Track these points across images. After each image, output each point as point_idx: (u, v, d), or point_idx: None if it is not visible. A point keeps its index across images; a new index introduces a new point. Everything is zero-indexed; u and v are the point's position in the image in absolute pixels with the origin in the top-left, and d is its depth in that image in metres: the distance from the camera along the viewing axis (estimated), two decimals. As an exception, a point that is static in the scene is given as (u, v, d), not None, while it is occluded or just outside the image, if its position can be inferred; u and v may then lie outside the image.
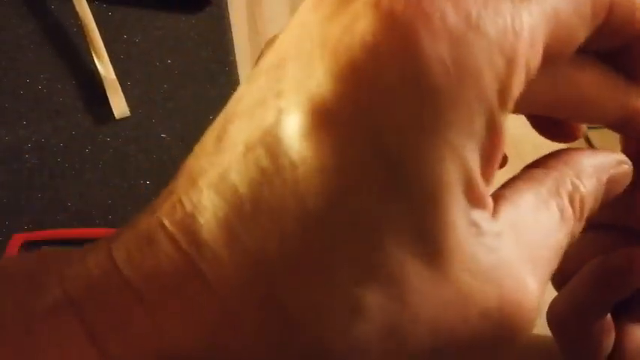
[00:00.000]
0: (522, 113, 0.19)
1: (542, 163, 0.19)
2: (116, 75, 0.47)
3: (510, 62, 0.15)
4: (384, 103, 0.14)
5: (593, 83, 0.19)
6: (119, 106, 0.46)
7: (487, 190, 0.16)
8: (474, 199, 0.15)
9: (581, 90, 0.19)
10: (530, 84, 0.16)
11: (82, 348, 0.15)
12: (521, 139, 0.45)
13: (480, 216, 0.16)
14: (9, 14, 0.50)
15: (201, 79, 0.48)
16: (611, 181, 0.19)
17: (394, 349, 0.15)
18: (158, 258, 0.15)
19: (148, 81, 0.48)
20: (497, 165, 0.16)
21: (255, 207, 0.15)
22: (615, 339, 0.27)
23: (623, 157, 0.20)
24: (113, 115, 0.46)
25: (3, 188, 0.43)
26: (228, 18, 0.52)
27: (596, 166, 0.19)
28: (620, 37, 0.18)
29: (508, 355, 0.17)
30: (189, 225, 0.15)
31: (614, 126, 0.20)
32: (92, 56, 0.47)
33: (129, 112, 0.46)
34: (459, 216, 0.15)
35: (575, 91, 0.19)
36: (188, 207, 0.15)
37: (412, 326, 0.15)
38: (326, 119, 0.14)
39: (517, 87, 0.15)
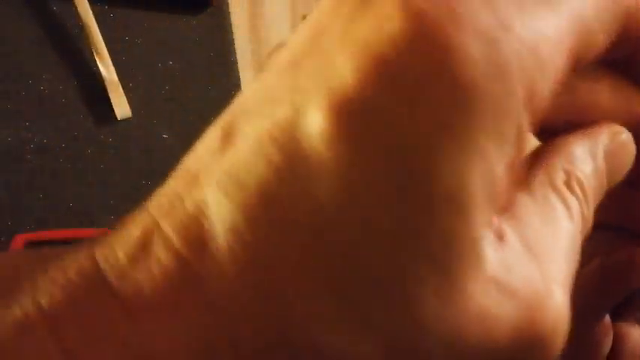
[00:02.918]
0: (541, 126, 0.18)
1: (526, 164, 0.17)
2: (118, 76, 0.47)
3: (541, 66, 0.14)
4: (409, 100, 0.13)
5: (611, 93, 0.18)
6: (121, 107, 0.46)
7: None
8: (498, 210, 0.14)
9: (600, 100, 0.18)
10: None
11: None
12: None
13: (505, 228, 0.15)
14: (10, 15, 0.50)
15: (203, 80, 0.49)
16: (610, 156, 0.18)
17: None
18: (150, 264, 0.14)
19: (149, 82, 0.48)
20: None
21: (266, 208, 0.14)
22: (613, 340, 0.27)
23: (617, 127, 0.18)
24: (115, 115, 0.46)
25: (5, 189, 0.44)
26: (229, 19, 0.52)
27: (587, 146, 0.18)
28: (632, 45, 0.18)
29: None
30: (189, 227, 0.14)
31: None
32: (94, 57, 0.47)
33: (130, 113, 0.47)
34: (484, 230, 0.14)
35: (594, 102, 0.18)
36: (190, 208, 0.14)
37: (425, 345, 0.14)
38: (346, 115, 0.13)
39: (546, 91, 0.14)
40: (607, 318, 0.27)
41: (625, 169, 0.19)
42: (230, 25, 0.52)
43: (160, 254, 0.14)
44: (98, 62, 0.47)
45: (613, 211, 0.26)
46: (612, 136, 0.18)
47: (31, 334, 0.13)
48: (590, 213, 0.17)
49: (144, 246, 0.14)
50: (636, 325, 0.28)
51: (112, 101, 0.46)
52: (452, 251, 0.14)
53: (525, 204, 0.16)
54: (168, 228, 0.14)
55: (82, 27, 0.49)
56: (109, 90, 0.46)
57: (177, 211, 0.14)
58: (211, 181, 0.14)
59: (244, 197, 0.14)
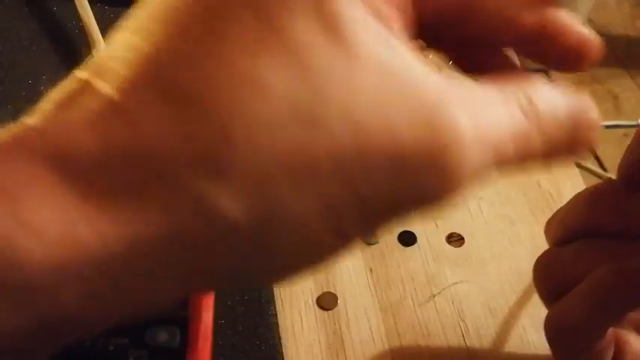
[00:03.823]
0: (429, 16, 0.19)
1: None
2: (117, 76, 0.47)
3: None
4: None
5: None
6: (120, 107, 0.46)
7: (391, 16, 0.16)
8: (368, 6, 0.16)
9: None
10: None
11: None
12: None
13: (385, 31, 0.16)
14: (10, 15, 0.50)
15: (203, 81, 0.49)
16: (576, 121, 0.19)
17: (304, 140, 0.15)
18: (56, 96, 0.16)
19: (149, 82, 0.48)
20: None
21: (152, 20, 0.16)
22: (615, 348, 0.27)
23: (585, 103, 0.19)
24: (114, 116, 0.46)
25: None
26: (229, 19, 0.52)
27: (556, 97, 0.18)
28: None
29: (435, 200, 0.16)
30: (95, 62, 0.16)
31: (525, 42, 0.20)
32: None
33: (130, 113, 0.47)
34: (355, 9, 0.15)
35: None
36: (100, 56, 0.16)
37: (323, 116, 0.15)
38: None
39: None
40: (610, 328, 0.26)
41: (585, 142, 0.19)
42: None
43: (68, 85, 0.16)
44: (98, 62, 0.47)
45: (619, 217, 0.25)
46: (580, 107, 0.19)
47: None
48: (535, 141, 0.18)
49: (56, 90, 0.16)
50: (634, 332, 0.28)
51: (111, 101, 0.46)
52: (329, 14, 0.15)
53: (474, 85, 0.17)
54: (80, 72, 0.16)
55: (82, 28, 0.49)
56: (108, 90, 0.46)
57: (91, 62, 0.16)
58: (121, 36, 0.16)
59: (137, 24, 0.16)
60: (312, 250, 0.16)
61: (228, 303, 0.35)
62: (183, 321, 0.28)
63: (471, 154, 0.16)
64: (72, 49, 0.49)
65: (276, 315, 0.35)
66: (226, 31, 0.15)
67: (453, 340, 0.35)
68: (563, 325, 0.26)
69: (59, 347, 0.15)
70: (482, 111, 0.17)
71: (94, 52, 0.47)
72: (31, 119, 0.16)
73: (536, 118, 0.18)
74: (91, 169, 0.15)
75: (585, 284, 0.25)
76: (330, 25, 0.15)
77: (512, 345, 0.34)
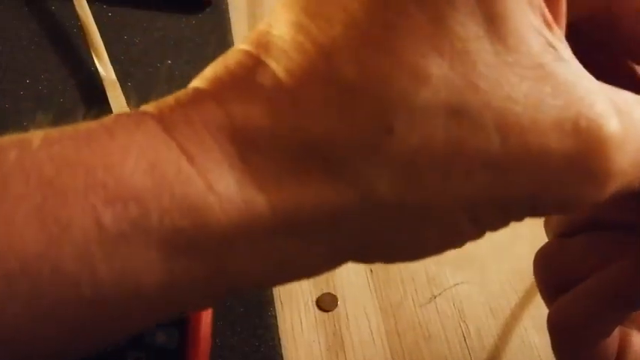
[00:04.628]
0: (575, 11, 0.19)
1: None
2: (116, 76, 0.47)
3: None
4: None
5: None
6: (119, 107, 0.46)
7: (554, 21, 0.17)
8: (536, 10, 0.16)
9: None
10: None
11: (156, 135, 0.16)
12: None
13: (548, 34, 0.16)
14: (9, 15, 0.50)
15: (202, 80, 0.48)
16: None
17: (457, 133, 0.16)
18: (227, 66, 0.17)
19: (148, 82, 0.48)
20: (562, 5, 0.17)
21: (322, 2, 0.16)
22: (619, 346, 0.26)
23: None
24: (113, 116, 0.46)
25: (3, 189, 0.43)
26: (228, 19, 0.52)
27: None
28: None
29: (584, 198, 0.17)
30: (261, 37, 0.17)
31: None
32: (92, 57, 0.47)
33: (129, 113, 0.46)
34: (521, 11, 0.16)
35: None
36: (263, 27, 0.17)
37: (477, 110, 0.16)
38: None
39: None
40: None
41: None
42: (229, 24, 0.52)
43: (236, 57, 0.17)
44: (96, 62, 0.47)
45: (630, 209, 0.25)
46: None
47: (137, 118, 0.17)
48: None
49: (224, 59, 0.17)
50: (635, 330, 0.27)
51: (110, 101, 0.46)
52: (496, 20, 0.16)
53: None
54: (243, 44, 0.17)
55: (80, 27, 0.48)
56: (107, 90, 0.46)
57: (253, 34, 0.17)
58: (281, 9, 0.17)
59: (304, 1, 0.17)
60: (446, 235, 0.18)
61: (227, 304, 0.35)
62: (181, 322, 0.28)
63: (617, 158, 0.16)
64: (71, 49, 0.49)
65: (275, 316, 0.35)
66: (397, 23, 0.16)
67: (454, 341, 0.34)
68: (567, 322, 0.26)
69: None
70: (632, 116, 0.17)
71: (92, 52, 0.47)
72: (202, 82, 0.17)
73: None
74: (262, 145, 0.16)
75: (595, 280, 0.25)
76: (494, 24, 0.16)
77: (513, 346, 0.34)
